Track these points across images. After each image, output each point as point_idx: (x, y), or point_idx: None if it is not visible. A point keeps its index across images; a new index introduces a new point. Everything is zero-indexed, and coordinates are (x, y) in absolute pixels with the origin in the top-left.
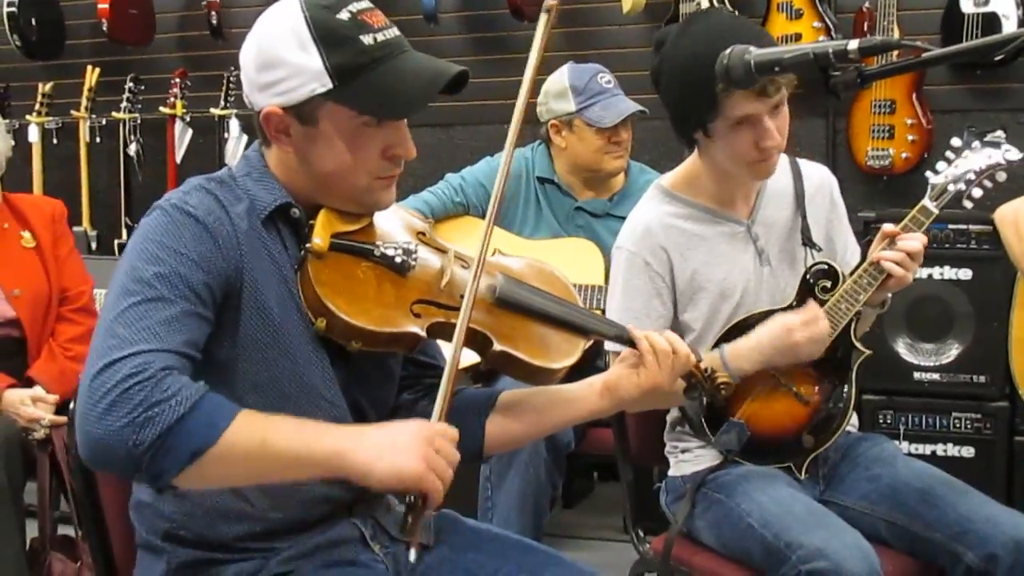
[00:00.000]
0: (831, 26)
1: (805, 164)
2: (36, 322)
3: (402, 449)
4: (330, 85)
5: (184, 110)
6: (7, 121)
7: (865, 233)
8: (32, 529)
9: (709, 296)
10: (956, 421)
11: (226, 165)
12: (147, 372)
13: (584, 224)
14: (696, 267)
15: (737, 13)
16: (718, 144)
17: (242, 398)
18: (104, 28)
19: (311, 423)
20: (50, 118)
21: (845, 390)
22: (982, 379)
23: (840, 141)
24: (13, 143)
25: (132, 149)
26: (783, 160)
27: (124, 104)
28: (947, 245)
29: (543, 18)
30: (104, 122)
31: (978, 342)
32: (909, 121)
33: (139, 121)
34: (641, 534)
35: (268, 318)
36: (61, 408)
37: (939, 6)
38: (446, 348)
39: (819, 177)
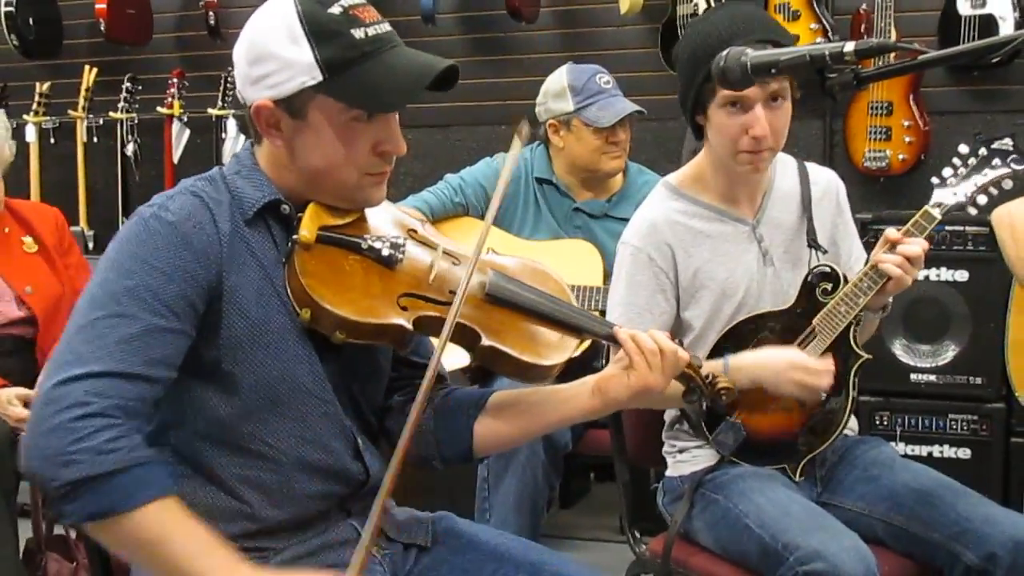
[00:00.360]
0: (828, 28)
1: (813, 168)
2: (50, 320)
3: None
4: (320, 78)
5: (181, 110)
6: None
7: (862, 234)
8: (26, 529)
9: (711, 294)
10: (952, 423)
11: (220, 165)
12: (97, 406)
13: (582, 225)
14: (700, 265)
15: None
16: (714, 129)
17: (230, 398)
18: (102, 28)
19: (219, 548)
20: (47, 118)
21: (843, 394)
22: (978, 381)
23: (837, 142)
24: (13, 143)
25: (129, 149)
26: (790, 163)
27: (121, 104)
28: (943, 247)
29: (516, 143)
30: (101, 122)
31: (974, 344)
32: (906, 123)
33: (136, 121)
34: (637, 535)
35: (248, 316)
36: None
37: (936, 8)
38: (437, 343)
39: (826, 181)
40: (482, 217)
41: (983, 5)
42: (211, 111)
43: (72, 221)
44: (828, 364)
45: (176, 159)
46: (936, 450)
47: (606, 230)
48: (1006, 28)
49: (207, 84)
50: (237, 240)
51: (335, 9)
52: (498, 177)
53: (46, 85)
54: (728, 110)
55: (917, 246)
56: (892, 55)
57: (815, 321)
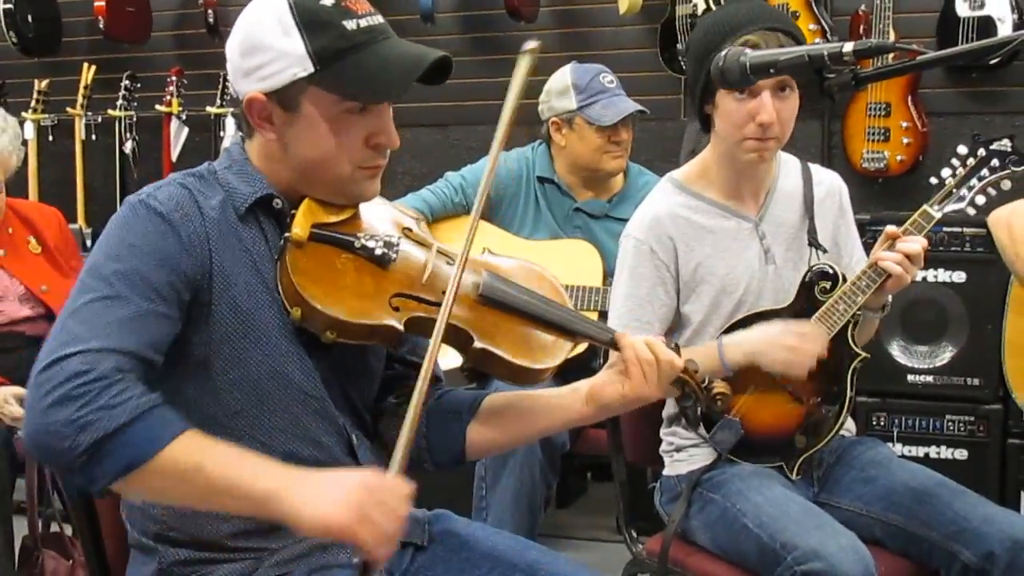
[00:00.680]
0: (827, 28)
1: (816, 169)
2: None
3: (335, 498)
4: (312, 69)
5: (180, 108)
6: None
7: (860, 235)
8: (22, 527)
9: (711, 289)
10: (949, 423)
11: (209, 162)
12: (96, 372)
13: (582, 225)
14: (701, 259)
15: None
16: (721, 115)
17: (221, 395)
18: (101, 25)
19: (253, 458)
20: (46, 115)
21: (841, 393)
22: (975, 382)
23: (836, 143)
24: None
25: (128, 147)
26: (794, 163)
27: (120, 102)
28: (941, 248)
29: (521, 63)
30: (100, 120)
31: (972, 345)
32: (904, 124)
33: (135, 119)
34: (634, 534)
35: (238, 312)
36: None
37: (935, 9)
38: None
39: (829, 183)
40: (482, 217)
41: (982, 6)
42: (210, 109)
43: (70, 219)
44: (818, 329)
45: (175, 157)
46: (933, 451)
47: (606, 230)
48: (1005, 29)
49: (206, 82)
50: (228, 234)
51: (327, 1)
52: (498, 175)
53: (45, 82)
54: (736, 96)
55: (916, 243)
56: (891, 56)
57: (813, 319)
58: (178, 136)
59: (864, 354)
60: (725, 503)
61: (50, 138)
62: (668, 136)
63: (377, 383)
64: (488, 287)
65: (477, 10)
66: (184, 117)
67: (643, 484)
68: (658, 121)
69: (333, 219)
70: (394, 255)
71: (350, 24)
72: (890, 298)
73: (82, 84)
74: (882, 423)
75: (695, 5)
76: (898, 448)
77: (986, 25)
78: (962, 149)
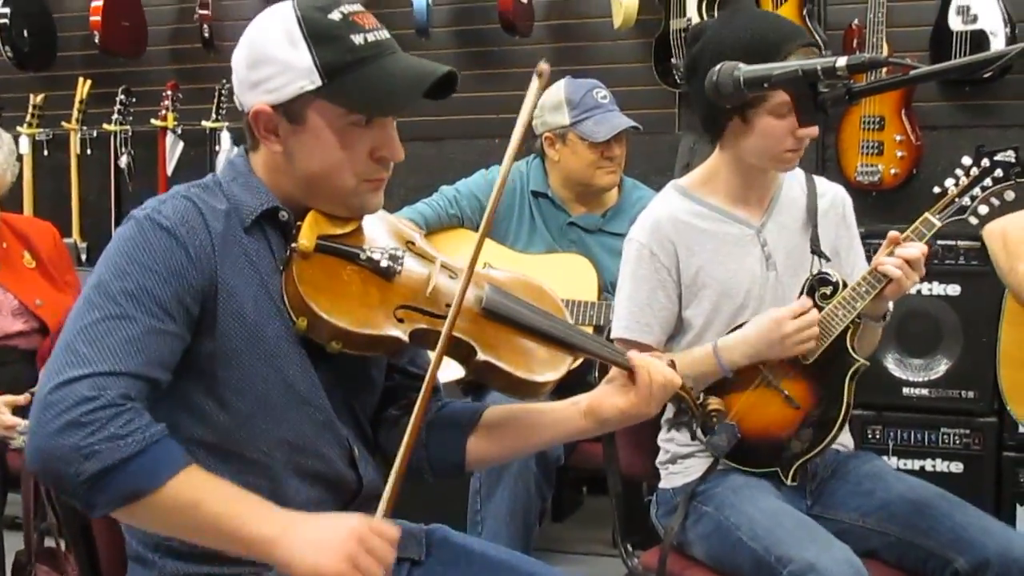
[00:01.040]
0: (820, 43)
1: (820, 181)
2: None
3: (328, 548)
4: (319, 82)
5: (175, 122)
6: None
7: None
8: (18, 542)
9: (712, 294)
10: (945, 436)
11: (213, 173)
12: (105, 398)
13: (577, 239)
14: (702, 264)
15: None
16: (754, 132)
17: (226, 405)
18: (96, 40)
19: (251, 500)
20: (41, 129)
21: (838, 398)
22: (970, 394)
23: (830, 157)
24: (17, 166)
25: (123, 161)
26: (799, 173)
27: (115, 116)
28: (935, 260)
29: (535, 82)
30: (95, 134)
31: (966, 357)
32: (898, 137)
33: (130, 133)
34: (630, 548)
35: (244, 323)
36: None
37: (928, 23)
38: (433, 356)
39: (833, 195)
40: (477, 229)
41: (974, 21)
42: (205, 123)
43: (65, 233)
44: (804, 300)
45: (170, 171)
46: (928, 464)
47: (601, 245)
48: (997, 43)
49: (201, 96)
50: (234, 245)
51: (335, 15)
52: (492, 188)
53: (40, 97)
54: (777, 115)
55: (915, 249)
56: (884, 70)
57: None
58: (173, 150)
59: (863, 361)
60: (719, 516)
61: (45, 152)
62: (663, 150)
63: (378, 395)
64: (491, 301)
65: (472, 24)
66: (179, 131)
67: (639, 498)
68: (653, 135)
69: (338, 231)
70: (399, 268)
71: (358, 38)
72: (891, 306)
73: (77, 98)
74: (877, 436)
75: (689, 19)
76: (893, 461)
77: (979, 39)
78: (966, 160)
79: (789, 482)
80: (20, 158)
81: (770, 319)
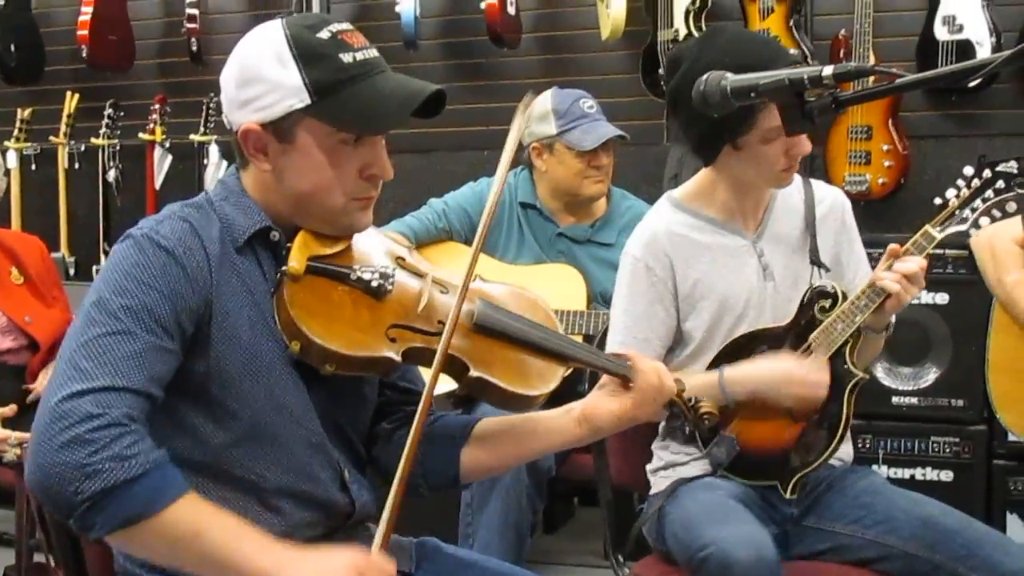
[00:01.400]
0: (807, 53)
1: (818, 186)
2: (53, 347)
3: None
4: (308, 101)
5: (164, 136)
6: None
7: None
8: (8, 557)
9: (711, 306)
10: (935, 445)
11: (205, 191)
12: (109, 416)
13: (565, 250)
14: (699, 276)
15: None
16: (746, 156)
17: (220, 425)
18: (84, 54)
19: (251, 533)
20: (29, 144)
21: (837, 412)
22: (960, 403)
23: (818, 167)
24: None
25: (111, 175)
26: (795, 179)
27: (103, 130)
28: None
29: (519, 111)
30: (83, 148)
31: (956, 366)
32: (885, 147)
33: (118, 147)
34: (621, 559)
35: (238, 345)
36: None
37: (914, 33)
38: (425, 372)
39: (831, 199)
40: (466, 242)
41: (960, 31)
42: (193, 137)
43: (53, 247)
44: (824, 375)
45: (158, 185)
46: (919, 473)
47: (589, 255)
48: (983, 53)
49: (189, 110)
50: (227, 267)
51: (324, 34)
52: (482, 202)
53: (27, 111)
54: (768, 140)
55: (913, 263)
56: (871, 79)
57: (811, 338)
58: (161, 164)
59: (862, 374)
60: (672, 512)
61: (33, 167)
62: (651, 161)
63: (371, 411)
64: (482, 315)
65: (460, 37)
66: (168, 145)
67: (630, 508)
68: (641, 146)
69: (328, 251)
70: (390, 286)
71: (346, 57)
72: (893, 319)
73: (65, 112)
74: (867, 445)
75: (676, 31)
76: (883, 470)
77: (965, 48)
78: (968, 170)
79: (788, 495)
80: (8, 172)
81: (784, 372)
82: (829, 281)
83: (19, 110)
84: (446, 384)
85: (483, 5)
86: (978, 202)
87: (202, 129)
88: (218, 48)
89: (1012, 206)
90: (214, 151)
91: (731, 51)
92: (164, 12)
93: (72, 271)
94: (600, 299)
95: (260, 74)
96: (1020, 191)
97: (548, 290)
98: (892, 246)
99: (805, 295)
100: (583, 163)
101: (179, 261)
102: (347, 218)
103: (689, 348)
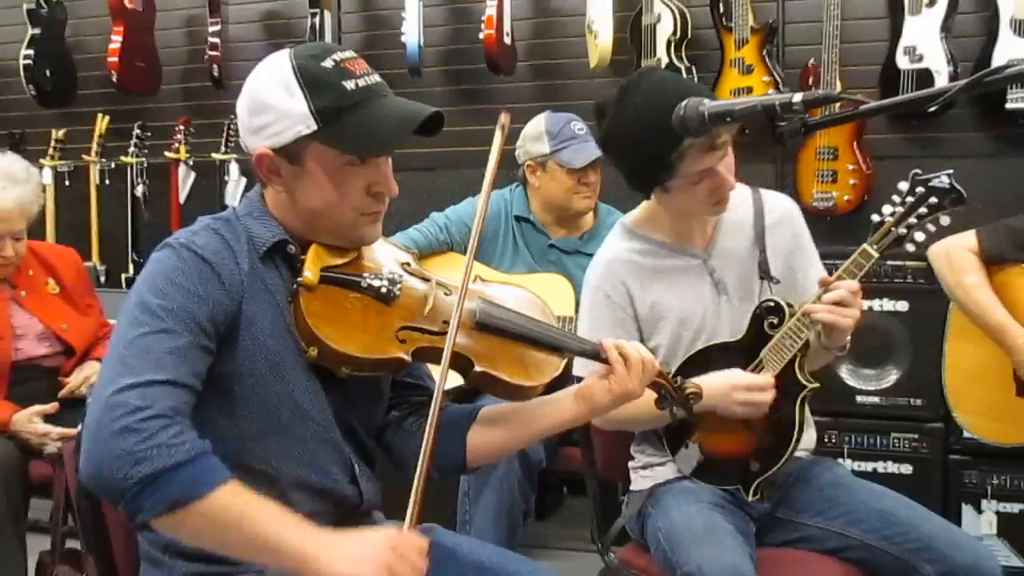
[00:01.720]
0: (779, 80)
1: (768, 196)
2: (88, 352)
3: (366, 560)
4: (315, 127)
5: (187, 154)
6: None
7: None
8: (44, 543)
9: (670, 324)
10: (895, 440)
11: (227, 205)
12: (154, 409)
13: (556, 260)
14: (656, 298)
15: (693, 68)
16: (676, 195)
17: (241, 421)
18: (113, 79)
19: (292, 518)
20: (62, 162)
21: (790, 423)
22: (919, 402)
23: (788, 184)
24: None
25: (139, 191)
26: (744, 192)
27: (132, 149)
28: (885, 279)
29: (498, 132)
30: (113, 166)
31: (915, 368)
32: (851, 166)
33: (145, 165)
34: (606, 545)
35: (264, 348)
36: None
37: (877, 62)
38: (434, 369)
39: (781, 208)
40: (465, 252)
41: (920, 60)
42: (215, 155)
43: (85, 257)
44: (767, 380)
45: (182, 200)
46: (880, 466)
47: (578, 265)
48: (941, 80)
49: (211, 131)
50: (255, 276)
51: (328, 63)
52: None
53: (61, 132)
54: (694, 183)
55: (843, 290)
56: (837, 105)
57: (763, 353)
58: (185, 180)
59: (812, 385)
60: (654, 516)
61: (66, 183)
62: None
63: (383, 409)
64: (484, 314)
65: (460, 64)
66: (191, 163)
67: (615, 497)
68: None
69: (339, 261)
70: (397, 291)
71: (349, 84)
72: (848, 338)
73: (96, 133)
74: (833, 440)
75: (659, 59)
76: (848, 464)
77: (925, 76)
78: (902, 185)
79: (751, 498)
80: (44, 189)
81: (727, 382)
82: (777, 296)
83: (53, 131)
84: (452, 380)
85: (481, 35)
86: (912, 218)
87: (223, 148)
88: (238, 73)
89: (946, 220)
90: (234, 168)
91: (654, 95)
92: (188, 40)
93: (103, 279)
94: None
95: (270, 103)
96: (953, 208)
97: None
98: (822, 276)
99: (756, 310)
100: (573, 180)
101: (215, 269)
102: (357, 232)
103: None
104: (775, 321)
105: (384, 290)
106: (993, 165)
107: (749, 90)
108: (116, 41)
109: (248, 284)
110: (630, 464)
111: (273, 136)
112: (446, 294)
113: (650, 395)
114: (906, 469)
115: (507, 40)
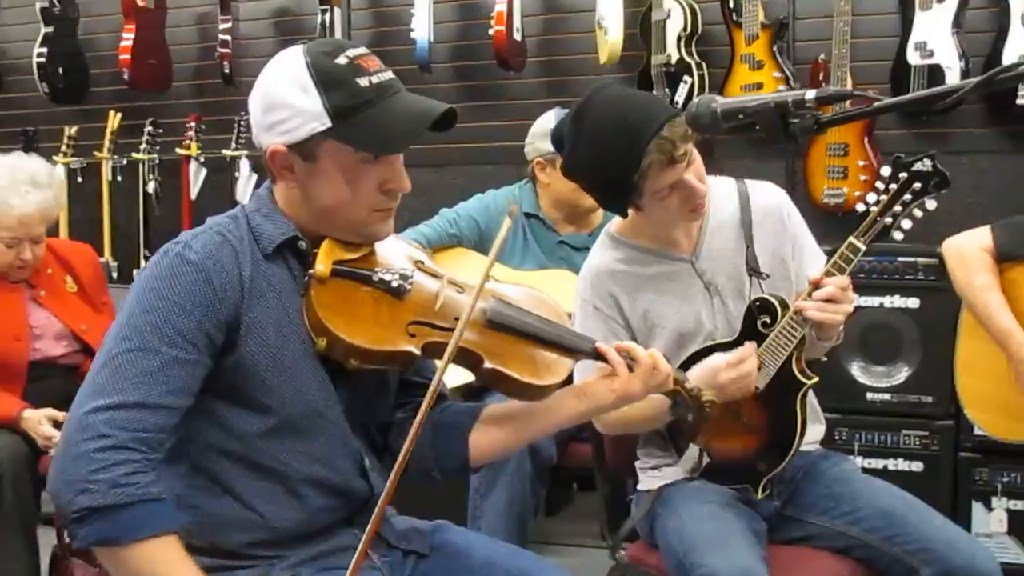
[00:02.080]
0: (789, 76)
1: (754, 189)
2: None
3: None
4: (328, 124)
5: (198, 151)
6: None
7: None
8: (52, 538)
9: (665, 332)
10: (906, 438)
11: (237, 202)
12: (117, 438)
13: (565, 256)
14: (647, 306)
15: (703, 64)
16: (651, 212)
17: (249, 418)
18: (125, 77)
19: None
20: (75, 159)
21: (791, 421)
22: (929, 399)
23: (798, 181)
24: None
25: (150, 187)
26: (729, 187)
27: (143, 146)
28: (896, 276)
29: (507, 220)
30: (125, 162)
31: (925, 365)
32: (861, 163)
33: (157, 161)
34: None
35: (268, 347)
36: None
37: (888, 58)
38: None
39: (769, 201)
40: (474, 248)
41: (931, 56)
42: (225, 152)
43: (98, 252)
44: (745, 349)
45: (193, 196)
46: (891, 463)
47: None
48: (952, 77)
49: (222, 127)
50: (257, 276)
51: (341, 60)
52: (489, 211)
53: (74, 129)
54: (663, 197)
55: (832, 287)
56: (848, 101)
57: (758, 353)
58: (196, 177)
59: (810, 381)
60: (664, 516)
61: (79, 180)
62: None
63: (391, 404)
64: (495, 312)
65: (470, 60)
66: (202, 159)
67: (624, 494)
68: None
69: (352, 256)
70: (409, 287)
71: (363, 81)
72: (841, 329)
73: (108, 130)
74: (844, 437)
75: (669, 55)
76: (859, 461)
77: (935, 73)
78: (885, 171)
79: (760, 496)
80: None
81: (709, 368)
82: (768, 293)
83: (66, 128)
84: (461, 376)
85: (491, 32)
86: (897, 206)
87: (233, 145)
88: (248, 71)
89: (932, 204)
90: (245, 165)
91: (605, 118)
92: (199, 38)
93: (115, 275)
94: None
95: (284, 100)
96: (937, 192)
97: (551, 293)
98: (812, 276)
99: (748, 309)
100: None
101: (207, 275)
102: (369, 228)
103: None
104: (768, 320)
105: (395, 284)
106: (1003, 161)
107: (759, 86)
108: (128, 39)
109: (250, 287)
110: (638, 464)
111: (286, 133)
112: (458, 291)
113: (650, 400)
114: (916, 466)
115: (517, 36)
